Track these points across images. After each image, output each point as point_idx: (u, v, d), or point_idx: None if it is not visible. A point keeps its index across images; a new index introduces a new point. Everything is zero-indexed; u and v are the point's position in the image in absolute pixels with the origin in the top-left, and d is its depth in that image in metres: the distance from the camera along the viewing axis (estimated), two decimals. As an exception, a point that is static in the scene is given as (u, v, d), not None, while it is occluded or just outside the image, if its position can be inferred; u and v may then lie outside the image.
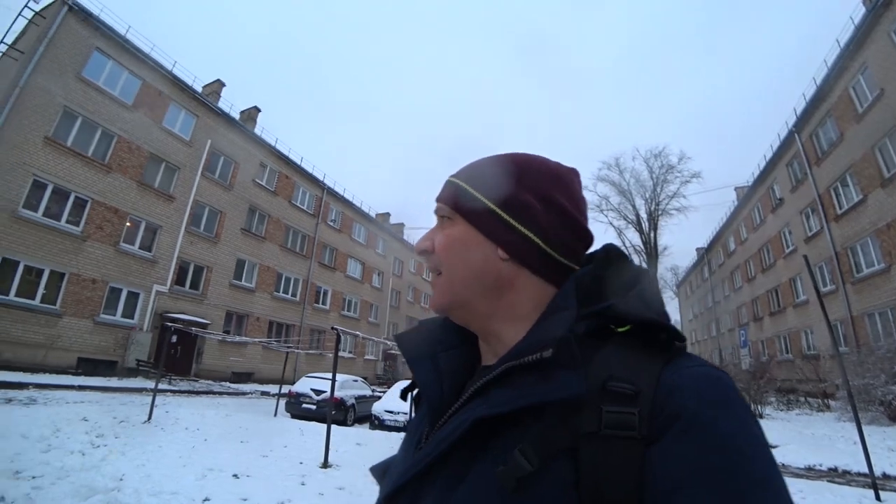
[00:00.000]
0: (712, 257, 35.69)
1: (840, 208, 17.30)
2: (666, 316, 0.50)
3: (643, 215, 29.99)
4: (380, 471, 0.63)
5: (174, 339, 12.28)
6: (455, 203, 0.59)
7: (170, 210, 16.93)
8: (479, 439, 0.47)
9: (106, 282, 14.53)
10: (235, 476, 5.23)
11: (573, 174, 0.62)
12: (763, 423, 12.58)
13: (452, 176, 0.63)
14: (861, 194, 15.83)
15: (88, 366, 13.71)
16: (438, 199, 0.62)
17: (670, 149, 38.59)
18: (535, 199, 0.56)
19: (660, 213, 29.55)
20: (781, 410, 15.11)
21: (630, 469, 0.40)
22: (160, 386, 10.12)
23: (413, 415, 0.68)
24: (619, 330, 0.48)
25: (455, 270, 0.58)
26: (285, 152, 23.20)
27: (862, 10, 15.07)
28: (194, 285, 18.09)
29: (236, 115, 21.03)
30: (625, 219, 30.46)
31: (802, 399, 16.07)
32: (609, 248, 0.58)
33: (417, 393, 0.65)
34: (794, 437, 9.71)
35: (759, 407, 13.44)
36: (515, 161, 0.59)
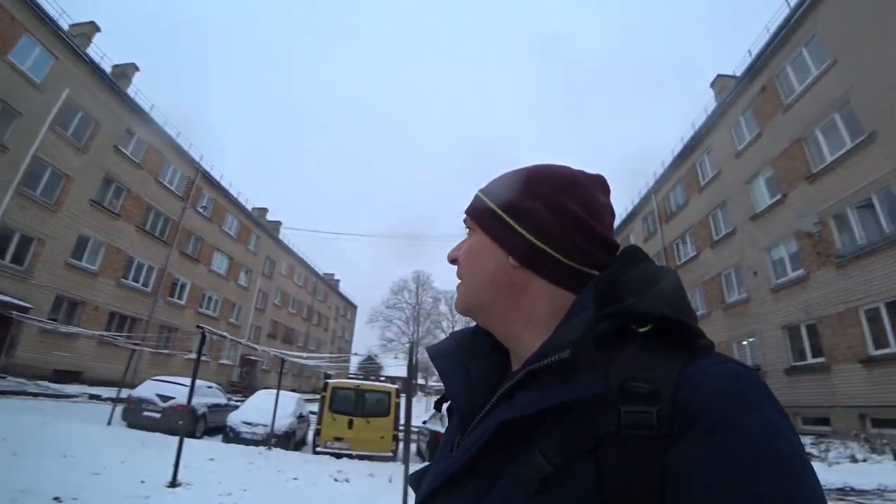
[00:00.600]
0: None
1: (679, 260, 20.73)
2: (689, 313, 0.48)
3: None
4: (415, 479, 0.64)
5: (-21, 323, 9.89)
6: (475, 214, 0.63)
7: (-3, 162, 13.76)
8: (507, 443, 0.47)
9: None
10: (57, 500, 4.33)
11: (593, 180, 0.62)
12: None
13: (480, 190, 0.66)
14: (696, 251, 19.17)
15: None
16: (465, 212, 0.66)
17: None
18: (542, 205, 0.57)
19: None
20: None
21: (651, 469, 0.39)
22: (-49, 381, 8.04)
23: (447, 424, 0.69)
24: (641, 330, 0.48)
25: (472, 277, 0.61)
26: (160, 122, 20.53)
27: (713, 104, 18.47)
28: (17, 259, 14.76)
29: (108, 69, 18.04)
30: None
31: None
32: (628, 250, 0.58)
33: (450, 404, 0.66)
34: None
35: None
36: (530, 171, 0.61)
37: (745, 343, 15.72)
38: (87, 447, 6.80)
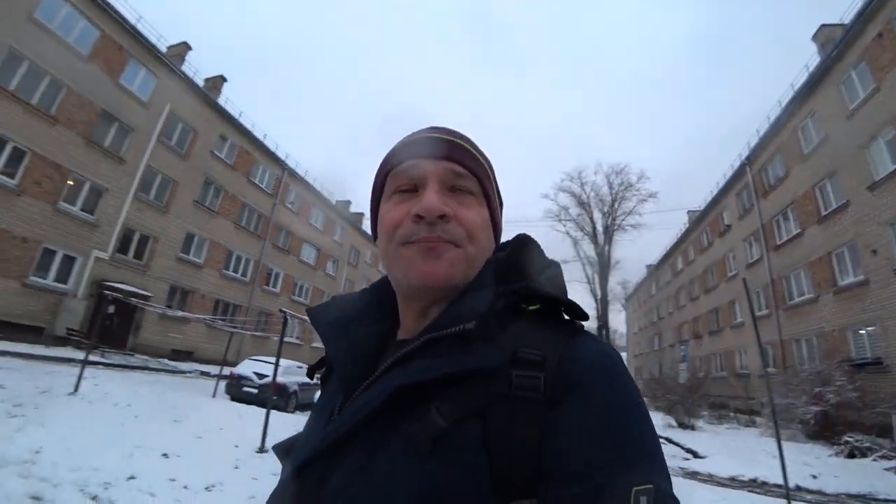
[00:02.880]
0: (661, 275, 37.38)
1: (780, 239, 18.56)
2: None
3: (599, 228, 31.06)
4: (283, 449, 0.62)
5: (111, 309, 11.51)
6: (484, 184, 0.61)
7: (118, 173, 15.88)
8: (398, 408, 0.48)
9: (39, 242, 13.45)
10: (165, 455, 4.99)
11: None
12: (694, 434, 13.35)
13: (464, 141, 0.61)
14: (799, 228, 17.05)
15: (11, 330, 12.62)
16: (459, 162, 0.58)
17: (631, 167, 40.10)
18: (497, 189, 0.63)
19: (615, 227, 30.69)
20: (712, 423, 16.08)
21: (532, 429, 0.44)
22: (92, 358, 9.49)
23: (321, 393, 0.67)
24: (530, 308, 0.54)
25: (482, 254, 0.58)
26: (249, 126, 22.32)
27: (817, 59, 16.18)
28: (138, 255, 17.07)
29: (200, 83, 20.01)
30: (582, 230, 31.44)
31: (732, 414, 17.19)
32: (522, 237, 0.62)
33: (325, 372, 0.67)
34: (721, 448, 10.31)
35: (692, 419, 14.20)
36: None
37: (862, 332, 13.72)
38: (194, 415, 7.69)
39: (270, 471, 5.29)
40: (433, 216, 0.54)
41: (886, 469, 8.28)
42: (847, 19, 14.11)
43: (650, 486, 0.40)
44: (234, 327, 15.51)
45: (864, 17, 13.15)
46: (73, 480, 3.69)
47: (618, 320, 54.28)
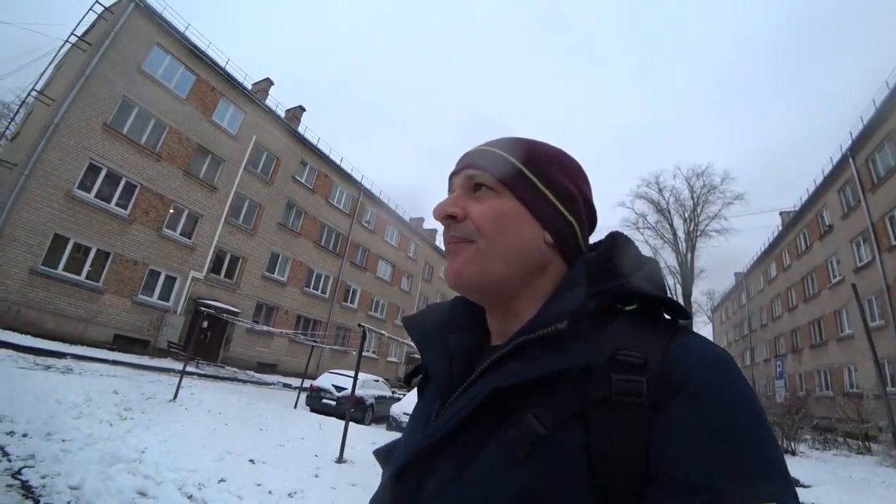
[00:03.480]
0: (751, 283, 34.09)
1: (895, 239, 16.23)
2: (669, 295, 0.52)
3: (681, 235, 28.97)
4: (384, 453, 0.64)
5: (205, 324, 12.64)
6: (504, 176, 0.58)
7: (212, 200, 17.55)
8: (494, 411, 0.47)
9: (147, 264, 15.16)
10: (252, 461, 5.29)
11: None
12: (795, 460, 11.84)
13: (490, 146, 0.61)
14: (921, 226, 14.82)
15: (123, 342, 14.29)
16: (472, 165, 0.60)
17: (714, 168, 37.17)
18: (576, 189, 0.59)
19: (698, 233, 28.47)
20: (817, 449, 14.15)
21: (637, 433, 0.42)
22: (188, 369, 10.41)
23: (418, 400, 0.68)
24: (627, 308, 0.52)
25: (498, 245, 0.56)
26: (326, 151, 23.72)
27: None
28: (229, 274, 18.63)
29: (282, 114, 21.66)
30: (661, 237, 29.53)
31: (841, 439, 15.06)
32: (616, 234, 0.60)
33: (421, 379, 0.68)
34: (830, 478, 9.06)
35: (792, 443, 12.65)
36: (552, 149, 0.62)
37: None
38: (277, 424, 8.13)
39: (348, 481, 5.43)
40: (439, 218, 0.59)
41: None
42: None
43: (776, 503, 0.36)
44: (315, 342, 16.32)
45: None
46: (173, 480, 4.02)
47: (704, 333, 50.05)
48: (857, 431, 14.53)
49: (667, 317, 0.52)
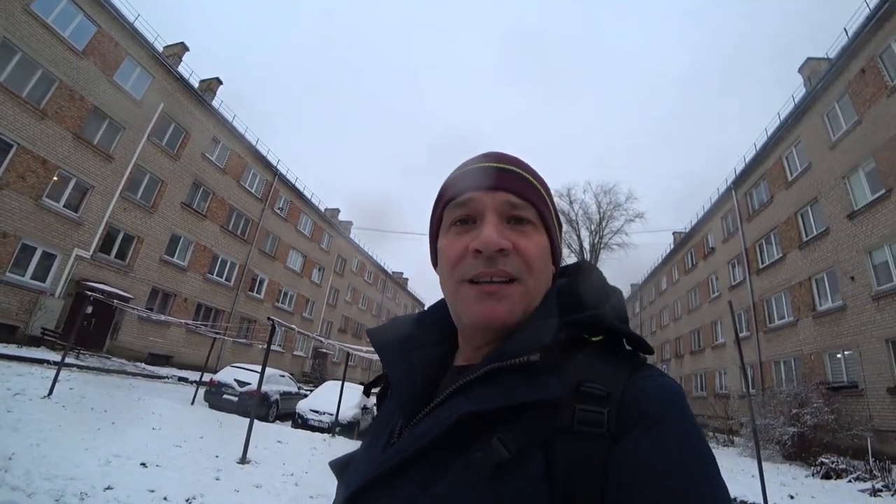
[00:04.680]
0: (645, 294, 37.81)
1: (762, 263, 18.99)
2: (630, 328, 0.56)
3: (586, 246, 31.47)
4: (340, 466, 0.63)
5: (90, 309, 11.21)
6: (541, 210, 0.59)
7: (106, 171, 15.62)
8: (460, 435, 0.48)
9: (19, 237, 13.12)
10: (143, 465, 4.86)
11: None
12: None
13: (518, 168, 0.60)
14: (781, 253, 17.47)
15: (-17, 328, 12.28)
16: (514, 193, 0.58)
17: (619, 187, 40.83)
18: (558, 217, 0.62)
19: (602, 246, 31.13)
20: (691, 444, 16.27)
21: (596, 463, 0.43)
22: (67, 360, 9.23)
23: (377, 413, 0.67)
24: (593, 339, 0.54)
25: (540, 284, 0.57)
26: (241, 130, 22.22)
27: (802, 90, 16.72)
28: (121, 255, 16.73)
29: (195, 84, 19.87)
30: (569, 247, 31.80)
31: (711, 434, 17.31)
32: (583, 265, 0.62)
33: (381, 390, 0.67)
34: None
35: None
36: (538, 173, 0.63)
37: (839, 356, 14.03)
38: (173, 422, 7.52)
39: (253, 483, 5.20)
40: (491, 251, 0.54)
41: (861, 490, 8.42)
42: (832, 54, 14.60)
43: None
44: (217, 333, 15.22)
45: (848, 53, 13.60)
46: (48, 490, 3.57)
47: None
48: (724, 427, 16.87)
49: (628, 347, 0.54)
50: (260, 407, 10.92)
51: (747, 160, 20.17)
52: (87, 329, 14.47)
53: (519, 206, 0.57)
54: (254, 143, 23.11)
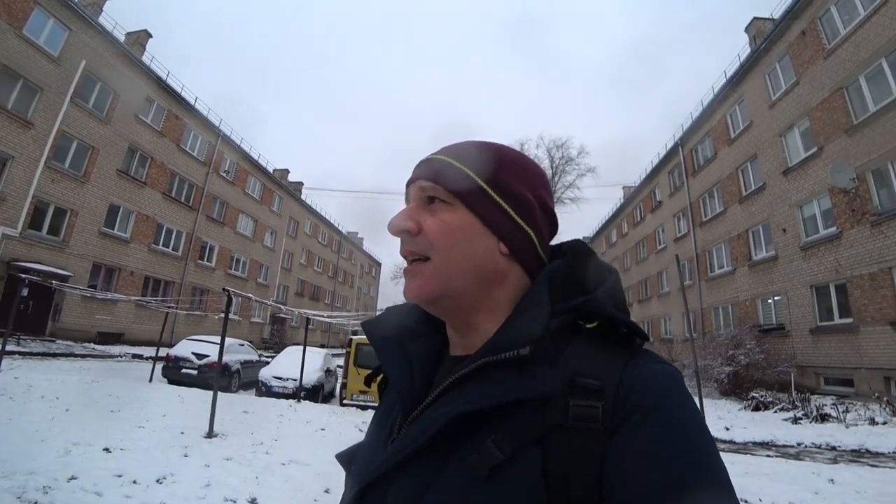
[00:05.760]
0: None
1: (705, 216, 20.10)
2: (627, 313, 0.54)
3: (538, 201, 32.12)
4: (346, 458, 0.63)
5: (25, 292, 10.43)
6: (456, 188, 0.56)
7: (26, 138, 14.16)
8: (454, 432, 0.48)
9: (-70, 216, 11.87)
10: (107, 450, 4.73)
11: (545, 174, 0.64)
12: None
13: (442, 154, 0.60)
14: (723, 207, 18.53)
15: None
16: (424, 178, 0.58)
17: (572, 142, 41.31)
18: (532, 195, 0.58)
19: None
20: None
21: (592, 458, 0.43)
22: (7, 347, 8.65)
23: (379, 402, 0.67)
24: (588, 326, 0.52)
25: (452, 260, 0.55)
26: (177, 89, 20.59)
27: (748, 50, 17.24)
28: (54, 231, 15.49)
29: (121, 37, 18.04)
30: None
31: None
32: (576, 245, 0.60)
33: (383, 380, 0.66)
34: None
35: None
36: (512, 156, 0.60)
37: (770, 301, 15.36)
38: (132, 403, 7.31)
39: (223, 456, 5.19)
40: (395, 233, 0.59)
41: (784, 419, 9.46)
42: (777, 14, 14.99)
43: None
44: (169, 306, 14.63)
45: (791, 15, 14.02)
46: (8, 488, 3.42)
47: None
48: (669, 369, 18.54)
49: (625, 332, 0.52)
50: (221, 378, 10.77)
51: (694, 117, 20.87)
52: (24, 313, 13.50)
53: (426, 189, 0.58)
54: (192, 101, 21.55)
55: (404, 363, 0.58)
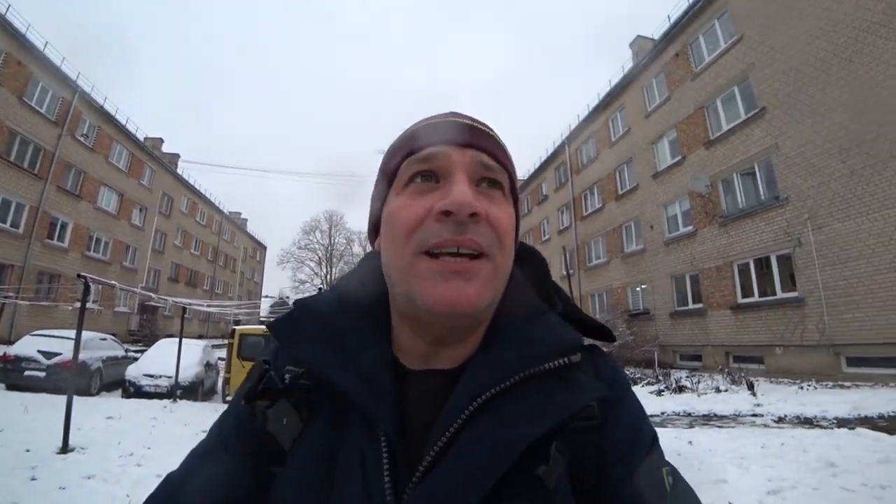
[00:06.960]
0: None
1: (586, 211, 22.17)
2: None
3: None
4: None
5: None
6: (511, 178, 0.51)
7: None
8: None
9: None
10: (-79, 480, 3.81)
11: None
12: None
13: (494, 132, 0.52)
14: (601, 203, 20.55)
15: None
16: (490, 153, 0.49)
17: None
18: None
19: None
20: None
21: (595, 450, 0.47)
22: None
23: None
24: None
25: (508, 264, 0.48)
26: (21, 28, 16.92)
27: (630, 64, 19.12)
28: None
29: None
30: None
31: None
32: (532, 249, 0.60)
33: (279, 406, 0.49)
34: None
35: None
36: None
37: (638, 289, 17.53)
38: (-46, 416, 5.99)
39: (82, 475, 4.49)
40: (465, 214, 0.43)
41: (650, 392, 10.77)
42: (657, 35, 16.77)
43: (668, 467, 0.48)
44: (7, 296, 12.17)
45: (668, 38, 15.81)
46: None
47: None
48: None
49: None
50: (78, 379, 9.31)
51: (580, 118, 22.68)
52: None
53: (493, 169, 0.48)
54: (41, 47, 17.88)
55: (361, 381, 0.45)
